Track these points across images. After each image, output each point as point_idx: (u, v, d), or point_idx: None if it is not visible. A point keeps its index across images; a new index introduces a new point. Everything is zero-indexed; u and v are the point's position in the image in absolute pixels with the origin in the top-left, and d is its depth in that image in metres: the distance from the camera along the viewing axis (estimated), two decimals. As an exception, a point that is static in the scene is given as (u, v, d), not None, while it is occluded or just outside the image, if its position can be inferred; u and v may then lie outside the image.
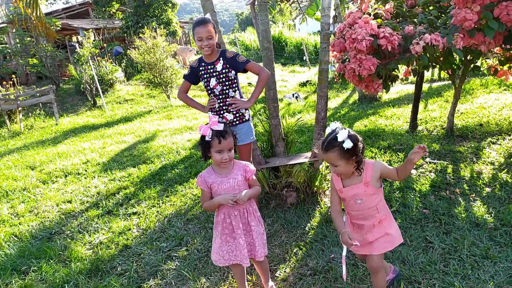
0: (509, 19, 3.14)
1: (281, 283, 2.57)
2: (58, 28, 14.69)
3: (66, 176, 5.58)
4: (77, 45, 14.40)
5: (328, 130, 1.94)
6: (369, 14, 3.60)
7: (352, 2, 7.39)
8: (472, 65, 4.57)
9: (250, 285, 2.57)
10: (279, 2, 10.46)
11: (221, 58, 3.06)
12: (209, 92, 3.15)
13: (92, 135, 8.54)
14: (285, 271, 2.68)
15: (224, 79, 3.06)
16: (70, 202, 4.54)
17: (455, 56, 4.55)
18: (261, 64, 3.54)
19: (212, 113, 3.14)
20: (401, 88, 9.87)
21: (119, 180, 5.14)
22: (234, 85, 3.13)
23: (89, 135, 8.58)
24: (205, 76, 3.09)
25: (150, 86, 12.21)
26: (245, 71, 3.16)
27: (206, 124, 2.09)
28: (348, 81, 4.11)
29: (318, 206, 3.54)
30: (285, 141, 3.95)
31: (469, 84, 8.19)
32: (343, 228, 1.96)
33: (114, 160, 6.16)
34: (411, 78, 10.73)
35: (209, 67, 3.07)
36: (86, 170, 5.75)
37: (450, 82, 9.48)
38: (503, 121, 5.45)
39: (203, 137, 2.07)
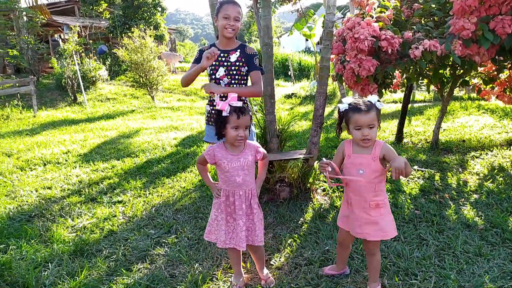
0: (504, 31, 3.29)
1: (276, 271, 2.51)
2: (43, 21, 14.36)
3: (45, 164, 5.35)
4: (60, 41, 14.10)
5: (342, 105, 1.98)
6: (371, 17, 3.68)
7: (349, 11, 7.59)
8: (460, 80, 4.73)
9: (244, 272, 2.50)
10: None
11: (238, 50, 2.72)
12: (214, 82, 2.74)
13: (72, 128, 8.27)
14: (280, 260, 2.62)
15: (235, 72, 2.70)
16: (50, 188, 4.34)
17: (444, 71, 4.73)
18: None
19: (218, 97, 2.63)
20: (383, 106, 10.12)
21: (102, 171, 4.97)
22: (243, 82, 2.77)
23: (69, 128, 8.30)
24: (214, 62, 2.69)
25: (135, 86, 11.98)
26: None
27: (223, 100, 2.06)
28: (345, 84, 4.18)
29: (311, 202, 3.52)
30: (280, 138, 3.94)
31: (449, 106, 8.48)
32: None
33: (97, 152, 5.96)
34: (394, 97, 11.12)
35: (222, 54, 2.70)
36: (66, 160, 5.53)
37: (431, 104, 9.87)
38: (484, 139, 5.64)
39: (220, 112, 2.02)
